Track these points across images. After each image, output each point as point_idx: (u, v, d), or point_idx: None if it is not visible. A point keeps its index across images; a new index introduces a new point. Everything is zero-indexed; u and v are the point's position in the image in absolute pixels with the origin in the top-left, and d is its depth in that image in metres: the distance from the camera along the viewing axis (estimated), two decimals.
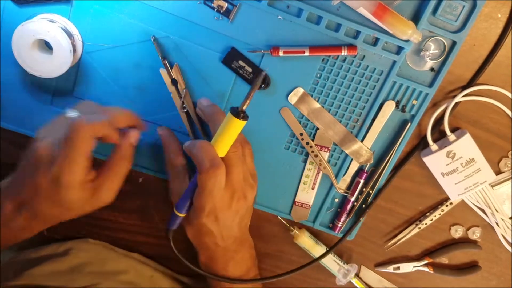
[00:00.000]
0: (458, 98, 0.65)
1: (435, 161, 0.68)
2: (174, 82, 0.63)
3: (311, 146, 0.67)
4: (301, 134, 0.67)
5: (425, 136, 0.68)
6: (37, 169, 0.53)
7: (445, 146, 0.66)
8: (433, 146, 0.67)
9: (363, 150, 0.68)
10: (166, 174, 0.66)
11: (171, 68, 0.62)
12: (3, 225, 0.55)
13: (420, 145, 0.69)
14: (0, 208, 0.55)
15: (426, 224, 0.74)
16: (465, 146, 0.66)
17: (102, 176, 0.56)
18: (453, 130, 0.68)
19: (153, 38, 0.61)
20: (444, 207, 0.73)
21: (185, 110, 0.64)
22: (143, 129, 0.61)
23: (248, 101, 0.51)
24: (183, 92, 0.63)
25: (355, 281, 0.78)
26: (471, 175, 0.68)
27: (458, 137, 0.66)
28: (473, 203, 0.73)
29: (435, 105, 0.67)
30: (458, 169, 0.67)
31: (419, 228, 0.75)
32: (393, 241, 0.76)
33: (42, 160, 0.52)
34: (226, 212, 0.59)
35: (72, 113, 0.55)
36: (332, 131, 0.66)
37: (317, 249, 0.74)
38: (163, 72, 0.63)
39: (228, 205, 0.59)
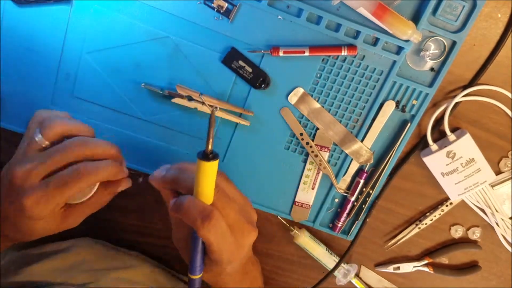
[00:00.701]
0: (458, 98, 0.65)
1: (435, 161, 0.68)
2: (189, 98, 0.63)
3: (311, 146, 0.67)
4: (301, 134, 0.67)
5: (425, 136, 0.68)
6: (8, 195, 0.51)
7: (445, 146, 0.66)
8: (433, 146, 0.67)
9: (363, 150, 0.68)
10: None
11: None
12: None
13: (419, 145, 0.69)
14: None
15: (426, 224, 0.74)
16: (465, 146, 0.66)
17: (77, 209, 0.55)
18: (453, 130, 0.68)
19: (143, 85, 0.63)
20: (444, 207, 0.73)
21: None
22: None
23: (211, 141, 0.48)
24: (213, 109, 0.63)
25: (355, 281, 0.78)
26: (471, 175, 0.68)
27: (458, 137, 0.66)
28: (473, 203, 0.73)
29: (435, 105, 0.67)
30: (458, 169, 0.67)
31: (419, 228, 0.75)
32: (393, 241, 0.76)
33: (15, 187, 0.50)
34: (242, 252, 0.56)
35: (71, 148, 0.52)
36: (332, 131, 0.66)
37: (317, 249, 0.74)
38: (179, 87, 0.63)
39: (241, 245, 0.55)
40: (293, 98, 0.65)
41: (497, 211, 0.72)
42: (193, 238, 0.53)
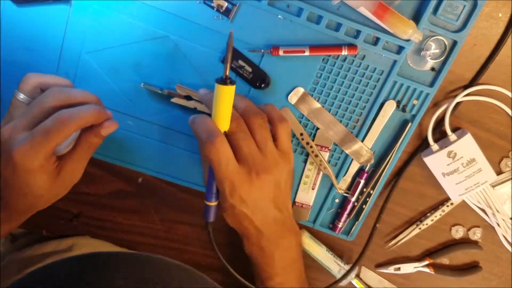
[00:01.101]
0: (459, 98, 0.65)
1: (436, 161, 0.67)
2: (188, 98, 0.63)
3: (311, 146, 0.67)
4: (301, 134, 0.66)
5: (425, 136, 0.67)
6: (2, 157, 0.52)
7: (446, 146, 0.66)
8: (434, 146, 0.67)
9: (363, 150, 0.67)
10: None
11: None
12: None
13: (421, 146, 0.69)
14: None
15: (427, 224, 0.74)
16: (466, 146, 0.66)
17: (65, 158, 0.55)
18: (454, 130, 0.68)
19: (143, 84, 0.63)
20: (445, 207, 0.73)
21: None
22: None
23: (228, 65, 0.52)
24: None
25: (355, 282, 0.77)
26: (472, 175, 0.67)
27: (459, 137, 0.66)
28: (474, 204, 0.73)
29: (436, 105, 0.67)
30: (459, 169, 0.67)
31: (420, 228, 0.75)
32: (394, 241, 0.76)
33: (5, 145, 0.51)
34: (249, 189, 0.56)
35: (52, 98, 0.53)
36: (332, 131, 0.66)
37: (317, 250, 0.74)
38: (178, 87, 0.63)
39: (248, 181, 0.56)
40: (293, 98, 0.64)
41: (498, 211, 0.72)
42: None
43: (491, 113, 0.67)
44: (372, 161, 0.68)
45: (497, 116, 0.68)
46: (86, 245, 0.73)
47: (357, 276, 0.79)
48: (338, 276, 0.76)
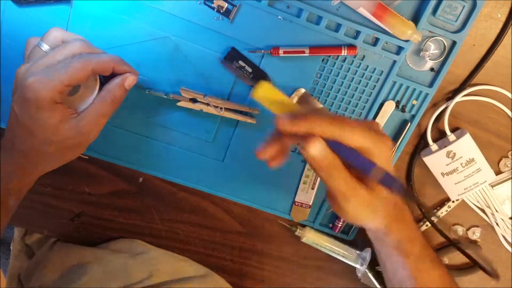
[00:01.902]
0: (458, 98, 0.65)
1: (435, 161, 0.68)
2: (194, 100, 0.63)
3: None
4: None
5: (425, 136, 0.67)
6: (16, 94, 0.51)
7: (445, 146, 0.66)
8: (433, 146, 0.67)
9: None
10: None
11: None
12: None
13: (419, 146, 0.69)
14: None
15: (428, 226, 0.74)
16: (465, 146, 0.66)
17: (87, 109, 0.53)
18: (453, 130, 0.68)
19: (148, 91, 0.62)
20: (446, 208, 0.73)
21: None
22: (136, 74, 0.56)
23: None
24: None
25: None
26: (471, 175, 0.68)
27: (458, 137, 0.66)
28: (473, 203, 0.73)
29: (435, 105, 0.67)
30: (458, 169, 0.67)
31: (421, 229, 0.75)
32: None
33: (20, 81, 0.50)
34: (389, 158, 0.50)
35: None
36: None
37: (327, 241, 0.74)
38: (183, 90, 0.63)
39: (384, 143, 0.49)
40: (294, 99, 0.65)
41: (497, 211, 0.72)
42: (343, 150, 0.47)
43: (490, 113, 0.68)
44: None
45: (496, 116, 0.68)
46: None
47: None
48: (357, 265, 0.75)
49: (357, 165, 0.48)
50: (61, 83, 0.49)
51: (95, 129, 0.54)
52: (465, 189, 0.69)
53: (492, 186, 0.71)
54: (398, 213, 0.53)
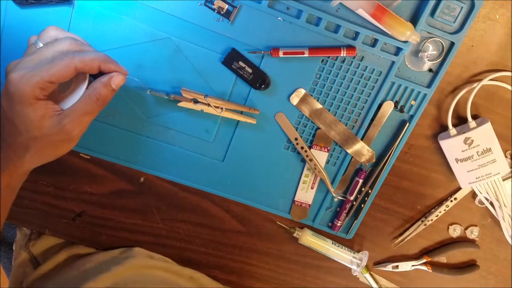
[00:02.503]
0: (484, 81, 0.64)
1: (452, 145, 0.67)
2: (195, 101, 0.64)
3: (306, 151, 0.68)
4: (296, 139, 0.67)
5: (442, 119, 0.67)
6: (3, 91, 0.51)
7: (464, 132, 0.66)
8: (452, 131, 0.66)
9: (365, 149, 0.68)
10: None
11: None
12: None
13: (416, 145, 0.69)
14: None
15: (431, 220, 0.75)
16: (484, 134, 0.65)
17: (71, 107, 0.53)
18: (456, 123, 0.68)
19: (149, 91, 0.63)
20: (449, 203, 0.73)
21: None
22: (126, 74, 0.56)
23: None
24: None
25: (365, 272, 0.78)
26: (485, 165, 0.67)
27: (478, 125, 0.65)
28: (483, 195, 0.72)
29: (456, 89, 0.67)
30: (473, 157, 0.66)
31: (425, 224, 0.75)
32: (400, 238, 0.77)
33: (8, 76, 0.50)
34: None
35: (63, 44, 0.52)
36: (334, 131, 0.67)
37: (324, 245, 0.74)
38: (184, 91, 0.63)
39: None
40: (294, 99, 0.65)
41: (505, 205, 0.71)
42: None
43: (489, 114, 0.68)
44: (373, 160, 0.69)
45: (495, 117, 0.68)
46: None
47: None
48: (353, 267, 0.76)
49: None
50: (42, 79, 0.49)
51: (78, 127, 0.53)
52: (476, 178, 0.68)
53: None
54: None
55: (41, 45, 0.53)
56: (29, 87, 0.49)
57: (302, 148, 0.67)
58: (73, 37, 0.53)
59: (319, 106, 0.65)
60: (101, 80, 0.53)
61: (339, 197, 0.72)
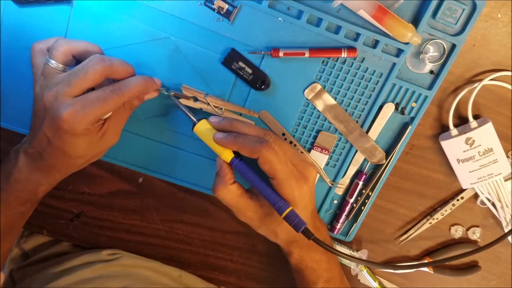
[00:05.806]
0: (485, 81, 0.64)
1: (453, 146, 0.66)
2: (194, 99, 0.63)
3: (295, 145, 0.67)
4: (284, 134, 0.67)
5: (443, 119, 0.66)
6: (45, 119, 0.54)
7: (465, 132, 0.65)
8: (453, 131, 0.66)
9: (376, 149, 0.67)
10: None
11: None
12: (23, 180, 0.57)
13: (416, 145, 0.69)
14: (17, 163, 0.57)
15: (437, 219, 0.74)
16: (485, 134, 0.65)
17: (108, 120, 0.57)
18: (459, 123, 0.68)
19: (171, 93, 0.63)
20: (455, 201, 0.73)
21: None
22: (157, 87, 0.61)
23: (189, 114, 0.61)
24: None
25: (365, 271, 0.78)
26: (487, 165, 0.66)
27: (480, 125, 0.65)
28: (485, 196, 0.72)
29: (457, 88, 0.66)
30: (475, 157, 0.66)
31: (430, 223, 0.75)
32: (405, 236, 0.76)
33: (50, 109, 0.53)
34: (305, 184, 0.60)
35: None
36: (345, 128, 0.66)
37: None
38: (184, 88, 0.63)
39: (303, 176, 0.60)
40: (309, 94, 0.64)
41: (507, 206, 0.71)
42: (255, 181, 0.59)
43: (490, 114, 0.67)
44: (384, 161, 0.68)
45: (496, 116, 0.68)
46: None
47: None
48: (352, 265, 0.76)
49: (265, 196, 0.58)
50: (96, 117, 0.53)
51: (117, 136, 0.60)
52: (478, 178, 0.68)
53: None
54: (302, 241, 0.62)
55: (54, 64, 0.54)
56: (85, 124, 0.53)
57: (291, 142, 0.67)
58: (97, 56, 0.54)
59: (333, 102, 0.65)
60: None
61: (335, 186, 0.71)
